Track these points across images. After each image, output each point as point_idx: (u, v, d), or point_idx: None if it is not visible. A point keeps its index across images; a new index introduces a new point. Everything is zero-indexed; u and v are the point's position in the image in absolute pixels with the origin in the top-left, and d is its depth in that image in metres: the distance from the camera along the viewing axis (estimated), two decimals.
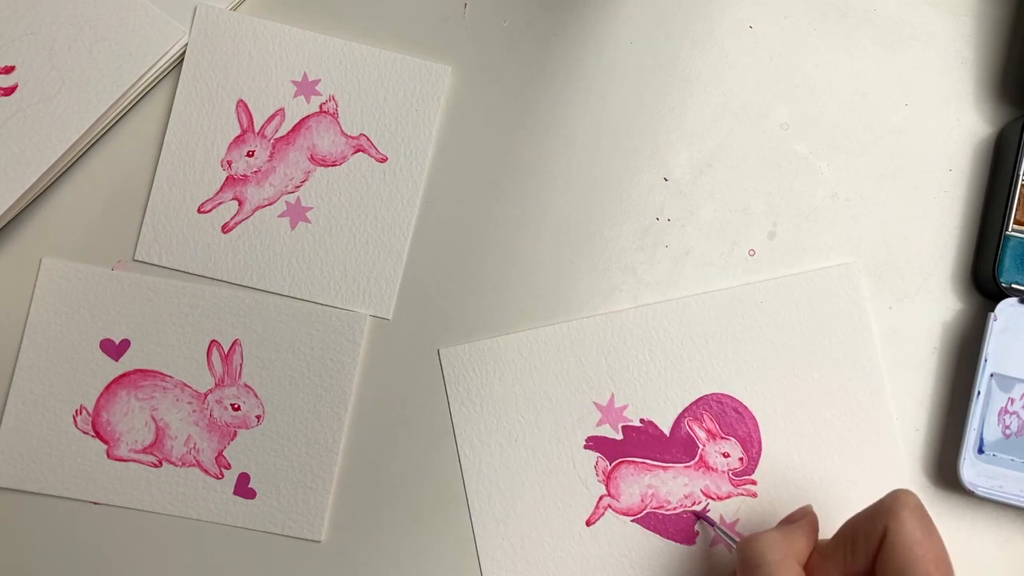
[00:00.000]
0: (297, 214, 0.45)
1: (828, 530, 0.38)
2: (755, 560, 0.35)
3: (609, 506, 0.44)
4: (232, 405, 0.44)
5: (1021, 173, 0.43)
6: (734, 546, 0.40)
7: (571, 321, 0.45)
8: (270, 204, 0.45)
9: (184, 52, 0.46)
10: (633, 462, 0.44)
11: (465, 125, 0.46)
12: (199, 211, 0.45)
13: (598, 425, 0.44)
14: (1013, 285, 0.43)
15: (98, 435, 0.44)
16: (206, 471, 0.44)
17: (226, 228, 0.45)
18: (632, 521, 0.43)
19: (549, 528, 0.43)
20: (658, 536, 0.43)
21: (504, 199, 0.46)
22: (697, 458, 0.44)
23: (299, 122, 0.46)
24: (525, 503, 0.44)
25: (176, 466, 0.44)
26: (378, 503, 0.44)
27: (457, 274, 0.45)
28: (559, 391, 0.44)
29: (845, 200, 0.45)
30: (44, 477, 0.44)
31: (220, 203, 0.45)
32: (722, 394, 0.44)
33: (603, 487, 0.44)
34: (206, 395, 0.44)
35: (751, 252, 0.45)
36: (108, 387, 0.44)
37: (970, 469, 0.42)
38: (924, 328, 0.44)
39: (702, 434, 0.44)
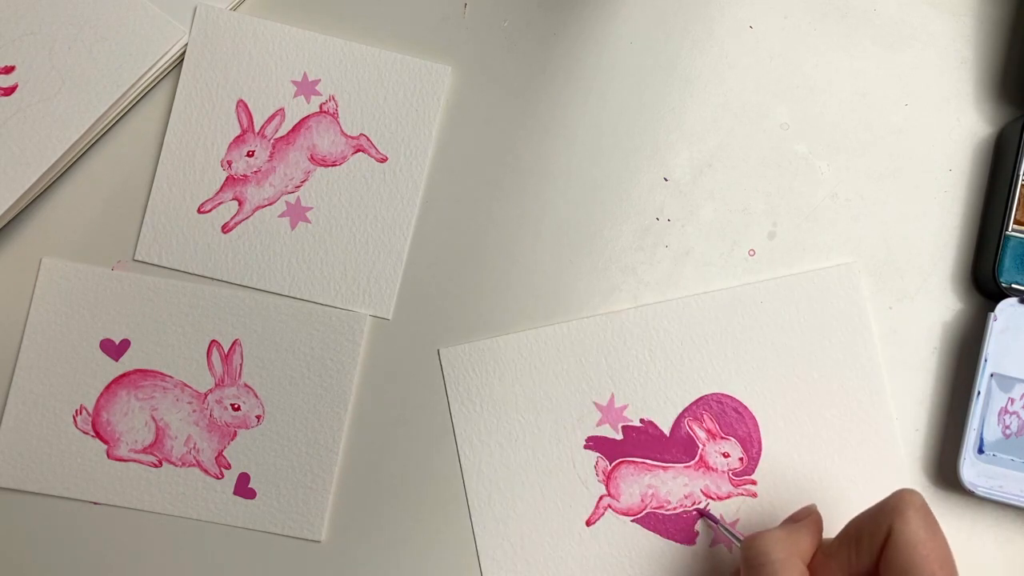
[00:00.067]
0: (297, 214, 0.45)
1: (829, 530, 0.38)
2: (759, 559, 0.35)
3: (609, 506, 0.44)
4: (232, 405, 0.44)
5: (1021, 173, 0.43)
6: (737, 545, 0.40)
7: (571, 321, 0.45)
8: (270, 204, 0.45)
9: (184, 52, 0.46)
10: (633, 462, 0.44)
11: (465, 125, 0.46)
12: (199, 211, 0.45)
13: (598, 425, 0.44)
14: (1013, 285, 0.43)
15: (98, 435, 0.44)
16: (206, 471, 0.44)
17: (226, 228, 0.45)
18: (632, 521, 0.43)
19: (549, 528, 0.43)
20: (658, 536, 0.43)
21: (504, 199, 0.46)
22: (697, 458, 0.44)
23: (299, 122, 0.46)
24: (525, 503, 0.44)
25: (176, 466, 0.44)
26: (378, 503, 0.44)
27: (457, 274, 0.45)
28: (559, 391, 0.44)
29: (845, 200, 0.45)
30: (44, 477, 0.44)
31: (220, 203, 0.45)
32: (722, 394, 0.44)
33: (603, 487, 0.44)
34: (206, 395, 0.44)
35: (751, 252, 0.45)
36: (108, 387, 0.44)
37: (970, 469, 0.42)
38: (924, 328, 0.44)
39: (702, 434, 0.44)
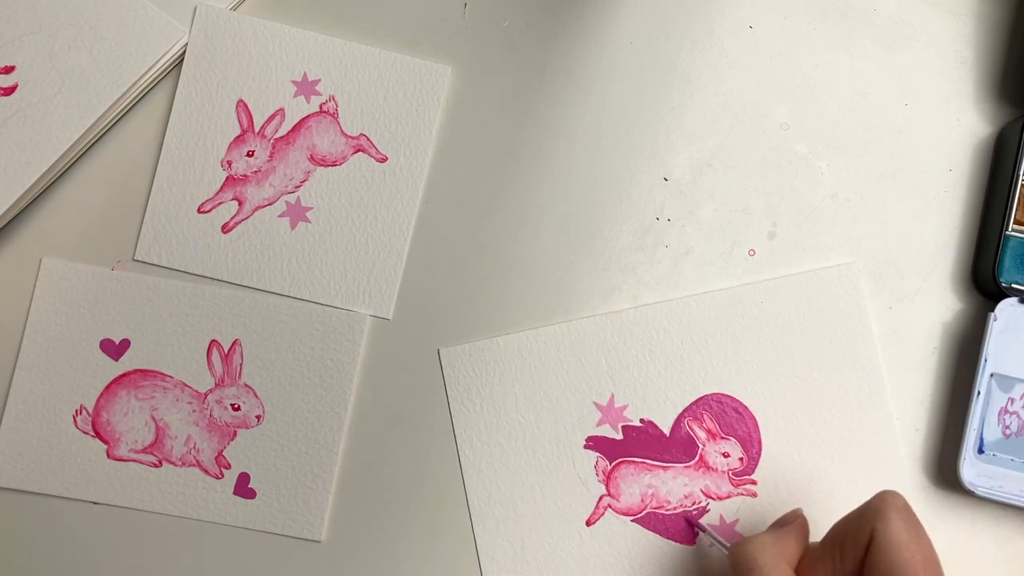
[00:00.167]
0: (297, 214, 0.45)
1: (825, 531, 0.38)
2: (747, 564, 0.35)
3: (609, 506, 0.44)
4: (232, 405, 0.44)
5: (1021, 173, 0.43)
6: (724, 551, 0.40)
7: (571, 321, 0.45)
8: (270, 204, 0.45)
9: (184, 52, 0.46)
10: (633, 462, 0.44)
11: (465, 125, 0.46)
12: (199, 211, 0.45)
13: (598, 425, 0.44)
14: (1013, 285, 0.43)
15: (98, 435, 0.44)
16: (206, 471, 0.44)
17: (226, 228, 0.45)
18: (632, 521, 0.43)
19: (549, 528, 0.43)
20: (658, 536, 0.43)
21: (504, 199, 0.46)
22: (697, 458, 0.44)
23: (299, 122, 0.46)
24: (525, 503, 0.44)
25: (176, 466, 0.44)
26: (378, 503, 0.44)
27: (457, 274, 0.45)
28: (559, 391, 0.44)
29: (845, 200, 0.45)
30: (44, 477, 0.44)
31: (220, 203, 0.45)
32: (722, 394, 0.44)
33: (603, 487, 0.44)
34: (206, 395, 0.44)
35: (751, 252, 0.45)
36: (108, 387, 0.44)
37: (970, 469, 0.42)
38: (924, 328, 0.44)
39: (702, 434, 0.44)
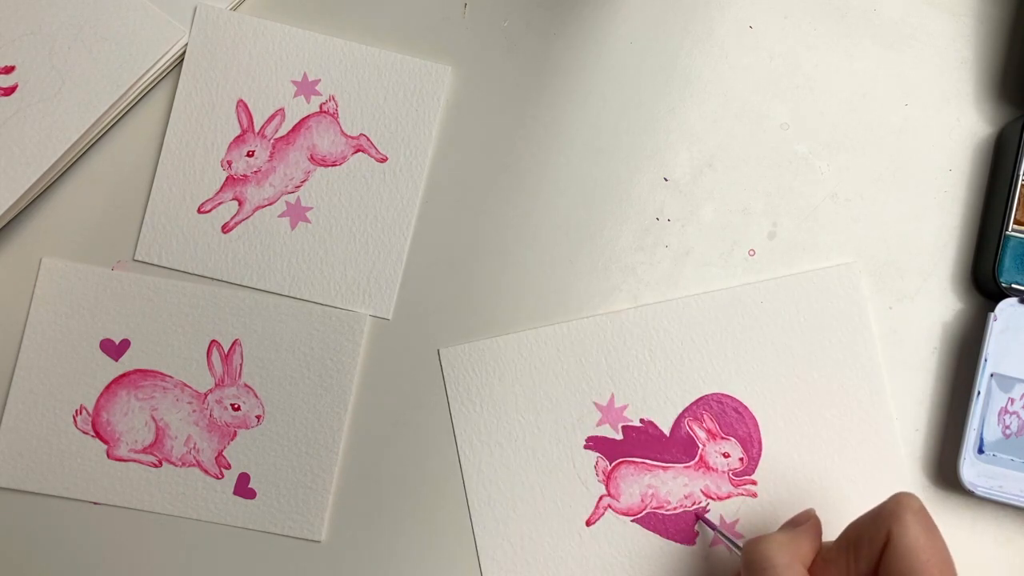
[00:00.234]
0: (297, 214, 0.45)
1: (828, 530, 0.38)
2: (762, 563, 0.35)
3: (609, 506, 0.44)
4: (232, 405, 0.44)
5: (1021, 173, 0.43)
6: (736, 549, 0.40)
7: (571, 321, 0.45)
8: (270, 204, 0.45)
9: (184, 52, 0.46)
10: (633, 462, 0.44)
11: (465, 125, 0.46)
12: (199, 211, 0.45)
13: (598, 425, 0.44)
14: (1013, 285, 0.43)
15: (98, 435, 0.44)
16: (206, 471, 0.44)
17: (226, 228, 0.45)
18: (632, 521, 0.43)
19: (549, 528, 0.43)
20: (658, 536, 0.43)
21: (504, 199, 0.46)
22: (697, 458, 0.44)
23: (299, 122, 0.46)
24: (525, 503, 0.44)
25: (176, 466, 0.44)
26: (378, 503, 0.44)
27: (457, 274, 0.45)
28: (559, 391, 0.44)
29: (845, 200, 0.45)
30: (44, 477, 0.44)
31: (220, 203, 0.45)
32: (722, 394, 0.44)
33: (603, 487, 0.44)
34: (206, 395, 0.44)
35: (751, 252, 0.45)
36: (108, 387, 0.44)
37: (970, 469, 0.42)
38: (924, 328, 0.44)
39: (702, 434, 0.44)
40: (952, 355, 0.44)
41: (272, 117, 0.46)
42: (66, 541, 0.44)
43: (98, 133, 0.45)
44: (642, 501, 0.44)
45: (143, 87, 0.45)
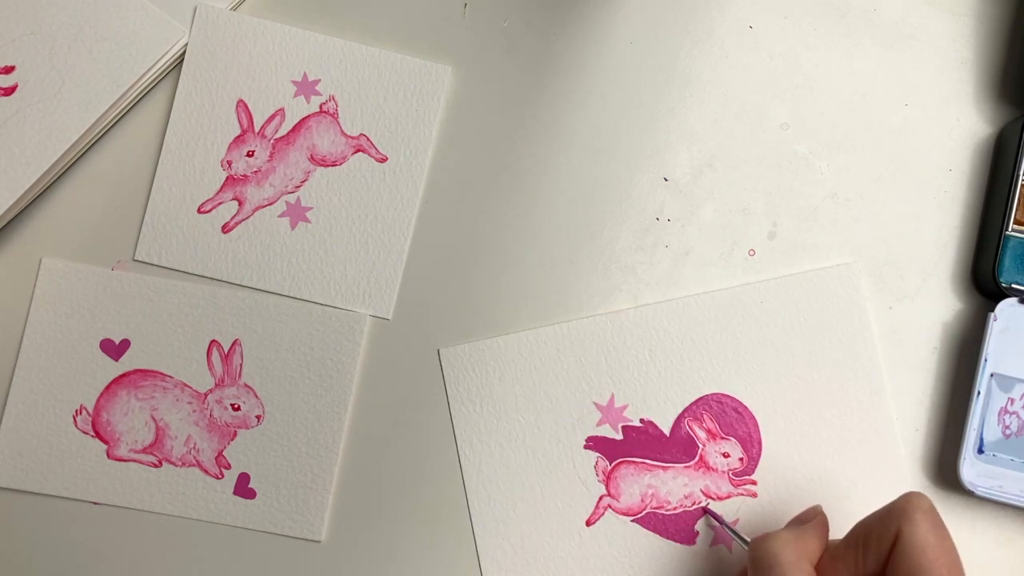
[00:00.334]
0: (297, 214, 0.45)
1: (831, 531, 0.38)
2: (768, 560, 0.35)
3: (609, 506, 0.44)
4: (232, 405, 0.44)
5: (1021, 173, 0.43)
6: (741, 545, 0.40)
7: (571, 321, 0.45)
8: (270, 204, 0.45)
9: (184, 52, 0.46)
10: (633, 462, 0.44)
11: (465, 125, 0.46)
12: (199, 211, 0.45)
13: (598, 425, 0.44)
14: (1013, 285, 0.43)
15: (98, 435, 0.44)
16: (206, 471, 0.44)
17: (226, 228, 0.45)
18: (632, 521, 0.43)
19: (549, 528, 0.43)
20: (658, 536, 0.43)
21: (504, 199, 0.46)
22: (697, 458, 0.44)
23: (299, 122, 0.46)
24: (525, 503, 0.44)
25: (176, 466, 0.44)
26: (378, 503, 0.44)
27: (457, 274, 0.45)
28: (559, 391, 0.44)
29: (845, 200, 0.45)
30: (44, 477, 0.44)
31: (220, 203, 0.45)
32: (722, 394, 0.44)
33: (603, 487, 0.44)
34: (206, 395, 0.44)
35: (751, 252, 0.45)
36: (108, 387, 0.44)
37: (970, 469, 0.42)
38: (924, 328, 0.44)
39: (702, 434, 0.44)
40: (952, 355, 0.44)
41: (272, 117, 0.46)
42: (66, 541, 0.44)
43: (98, 133, 0.45)
44: (642, 501, 0.44)
45: (143, 87, 0.45)
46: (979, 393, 0.42)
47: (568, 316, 0.45)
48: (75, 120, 0.44)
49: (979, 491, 0.41)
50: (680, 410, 0.44)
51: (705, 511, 0.43)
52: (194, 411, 0.44)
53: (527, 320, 0.45)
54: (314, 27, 0.46)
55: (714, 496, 0.43)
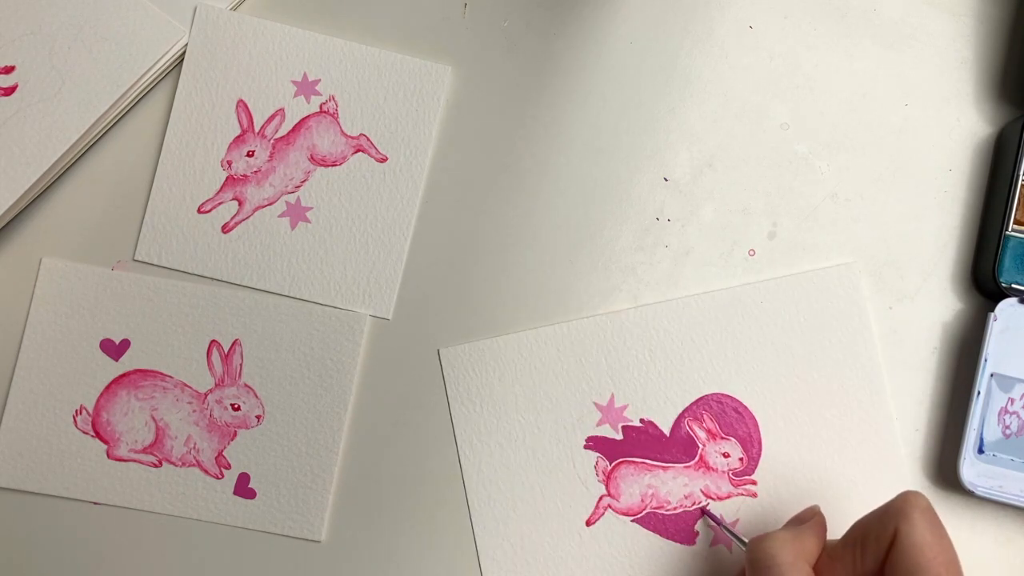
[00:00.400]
0: (297, 214, 0.45)
1: (830, 530, 0.38)
2: (766, 561, 0.35)
3: (609, 506, 0.44)
4: (232, 405, 0.44)
5: (1021, 173, 0.43)
6: (740, 546, 0.40)
7: (571, 321, 0.45)
8: (270, 204, 0.45)
9: (184, 52, 0.46)
10: (633, 462, 0.44)
11: (465, 125, 0.46)
12: (199, 211, 0.45)
13: (598, 425, 0.44)
14: (1013, 285, 0.43)
15: (98, 435, 0.44)
16: (206, 471, 0.44)
17: (226, 228, 0.45)
18: (632, 521, 0.43)
19: (549, 528, 0.43)
20: (658, 536, 0.43)
21: (504, 199, 0.46)
22: (697, 458, 0.44)
23: (299, 122, 0.46)
24: (525, 503, 0.44)
25: (176, 466, 0.44)
26: (378, 503, 0.44)
27: (457, 274, 0.45)
28: (559, 391, 0.44)
29: (845, 200, 0.45)
30: (44, 477, 0.44)
31: (220, 203, 0.45)
32: (722, 394, 0.44)
33: (603, 487, 0.44)
34: (206, 395, 0.44)
35: (751, 252, 0.45)
36: (108, 387, 0.44)
37: (970, 469, 0.42)
38: (924, 328, 0.44)
39: (702, 434, 0.44)
40: (952, 355, 0.44)
41: (272, 117, 0.46)
42: (66, 541, 0.44)
43: (98, 133, 0.45)
44: (642, 501, 0.44)
45: (143, 87, 0.45)
46: (979, 393, 0.42)
47: (568, 316, 0.45)
48: (75, 120, 0.44)
49: (979, 491, 0.41)
50: (680, 410, 0.44)
51: (703, 512, 0.43)
52: (194, 411, 0.44)
53: (527, 320, 0.45)
54: (314, 27, 0.46)
55: (714, 496, 0.43)
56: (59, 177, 0.45)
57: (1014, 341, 0.42)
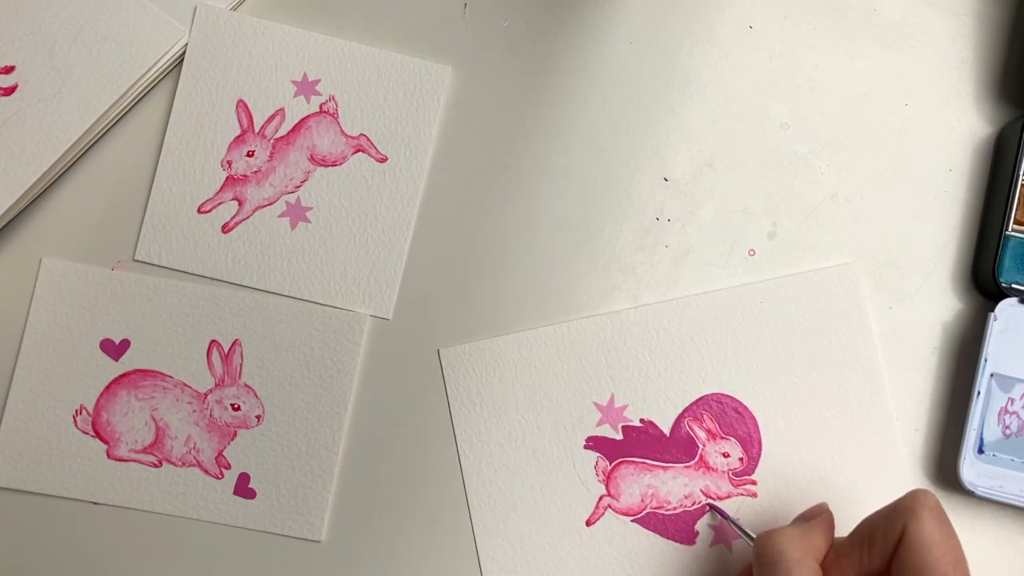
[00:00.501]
0: (297, 214, 0.45)
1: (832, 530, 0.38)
2: (774, 557, 0.35)
3: (609, 506, 0.44)
4: (232, 405, 0.44)
5: (1021, 173, 0.43)
6: (748, 542, 0.40)
7: (571, 321, 0.45)
8: (270, 204, 0.45)
9: (184, 52, 0.46)
10: (633, 462, 0.44)
11: (465, 125, 0.46)
12: (199, 211, 0.45)
13: (598, 425, 0.44)
14: (1013, 285, 0.43)
15: (98, 435, 0.44)
16: (206, 471, 0.44)
17: (226, 228, 0.45)
18: (632, 521, 0.43)
19: (549, 528, 0.43)
20: (658, 536, 0.43)
21: (504, 199, 0.46)
22: (697, 458, 0.44)
23: (299, 122, 0.46)
24: (525, 503, 0.44)
25: (176, 466, 0.44)
26: (378, 503, 0.44)
27: (457, 274, 0.45)
28: (559, 391, 0.44)
29: (845, 200, 0.45)
30: (44, 477, 0.44)
31: (220, 203, 0.45)
32: (722, 394, 0.44)
33: (603, 487, 0.44)
34: (206, 395, 0.44)
35: (751, 252, 0.45)
36: (108, 387, 0.44)
37: (970, 469, 0.42)
38: (924, 328, 0.44)
39: (702, 434, 0.44)
40: (952, 355, 0.44)
41: (272, 117, 0.46)
42: (66, 541, 0.44)
43: (98, 133, 0.45)
44: (642, 501, 0.44)
45: (143, 87, 0.45)
46: (979, 393, 0.42)
47: (568, 316, 0.45)
48: (75, 120, 0.44)
49: (979, 491, 0.41)
50: (680, 410, 0.44)
51: (710, 506, 0.43)
52: (194, 411, 0.44)
53: (527, 320, 0.45)
54: (314, 27, 0.46)
55: (714, 496, 0.43)
56: (59, 177, 0.45)
57: (1014, 341, 0.42)
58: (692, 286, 0.45)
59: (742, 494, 0.43)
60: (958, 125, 0.46)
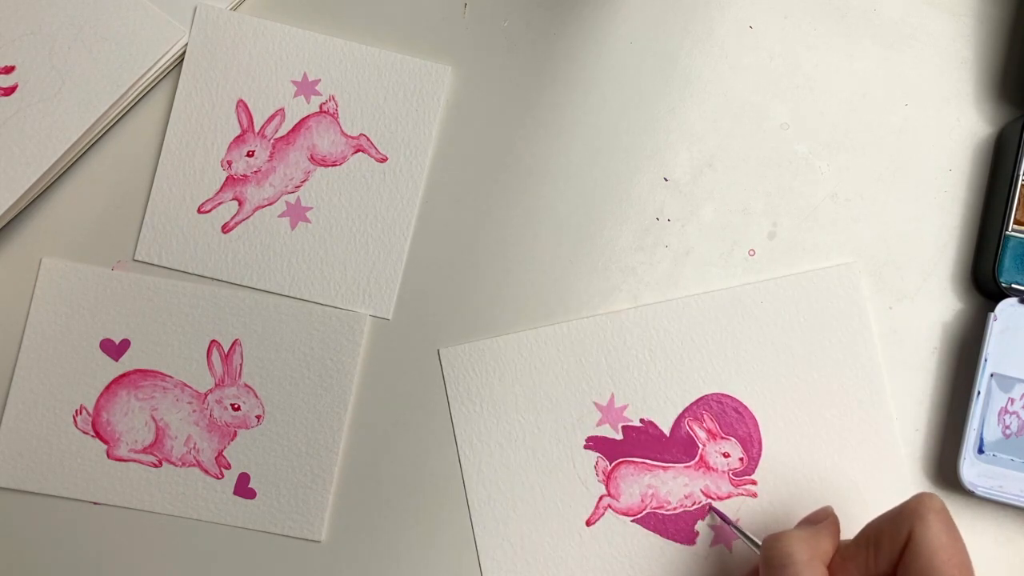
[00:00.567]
0: (297, 214, 0.45)
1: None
2: (782, 559, 0.35)
3: (609, 506, 0.44)
4: (232, 405, 0.44)
5: (1021, 173, 0.43)
6: (752, 547, 0.40)
7: (571, 321, 0.45)
8: (270, 204, 0.45)
9: (184, 52, 0.46)
10: (633, 462, 0.44)
11: (465, 125, 0.46)
12: (199, 211, 0.45)
13: (598, 425, 0.44)
14: (1013, 285, 0.43)
15: (98, 435, 0.44)
16: (206, 471, 0.44)
17: (226, 228, 0.45)
18: (632, 521, 0.43)
19: (549, 528, 0.43)
20: (658, 536, 0.43)
21: (504, 199, 0.46)
22: (697, 458, 0.44)
23: (299, 122, 0.46)
24: (525, 503, 0.44)
25: (176, 466, 0.44)
26: (378, 503, 0.44)
27: (457, 274, 0.45)
28: (559, 391, 0.44)
29: (845, 200, 0.45)
30: (44, 477, 0.44)
31: (220, 203, 0.45)
32: (722, 394, 0.44)
33: (603, 487, 0.44)
34: (206, 395, 0.44)
35: (751, 252, 0.45)
36: (108, 387, 0.44)
37: (970, 469, 0.42)
38: (924, 328, 0.44)
39: (702, 434, 0.44)
40: (952, 355, 0.44)
41: (272, 117, 0.46)
42: (66, 541, 0.44)
43: (98, 133, 0.45)
44: (642, 501, 0.44)
45: (143, 87, 0.45)
46: (979, 393, 0.42)
47: (568, 316, 0.45)
48: (75, 120, 0.44)
49: (979, 491, 0.41)
50: (680, 410, 0.44)
51: (711, 507, 0.43)
52: (194, 411, 0.44)
53: (527, 320, 0.45)
54: (314, 27, 0.46)
55: (714, 496, 0.43)
56: (59, 177, 0.45)
57: (1014, 341, 0.42)
58: (692, 286, 0.45)
59: (742, 494, 0.43)
60: (958, 125, 0.46)
